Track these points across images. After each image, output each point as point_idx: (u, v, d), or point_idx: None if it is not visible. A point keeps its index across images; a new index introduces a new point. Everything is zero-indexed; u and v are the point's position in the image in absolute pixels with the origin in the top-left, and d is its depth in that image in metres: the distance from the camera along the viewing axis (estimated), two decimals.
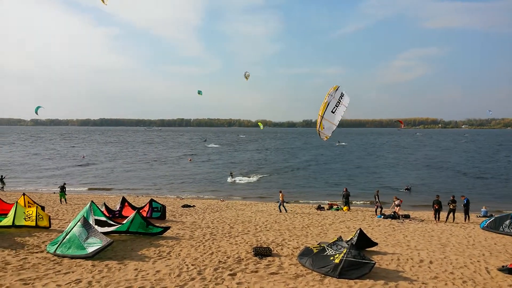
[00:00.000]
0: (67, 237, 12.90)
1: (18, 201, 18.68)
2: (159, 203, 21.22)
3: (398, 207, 23.09)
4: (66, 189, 28.57)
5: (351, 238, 13.69)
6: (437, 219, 22.20)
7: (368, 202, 31.64)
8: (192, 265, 11.97)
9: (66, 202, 27.15)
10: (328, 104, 16.65)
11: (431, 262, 12.76)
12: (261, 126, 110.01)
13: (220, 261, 12.43)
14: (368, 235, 15.23)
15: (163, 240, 15.10)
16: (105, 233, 13.95)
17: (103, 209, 19.13)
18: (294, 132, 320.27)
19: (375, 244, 14.40)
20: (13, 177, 47.52)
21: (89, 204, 16.33)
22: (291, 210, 25.62)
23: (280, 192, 25.62)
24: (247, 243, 15.15)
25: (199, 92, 58.76)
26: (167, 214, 21.21)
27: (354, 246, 11.85)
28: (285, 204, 25.51)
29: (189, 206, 26.62)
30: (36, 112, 52.58)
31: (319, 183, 45.52)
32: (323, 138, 17.40)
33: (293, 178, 49.10)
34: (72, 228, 13.25)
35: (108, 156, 79.50)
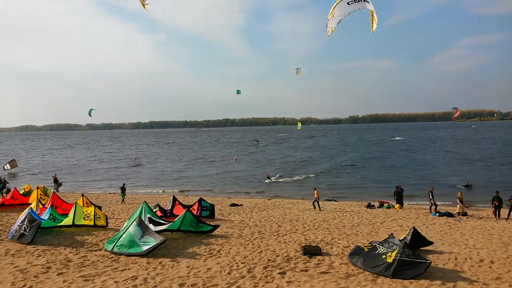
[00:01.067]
0: (123, 235, 13.49)
1: (77, 201, 19.83)
2: (208, 202, 21.65)
3: (460, 205, 21.97)
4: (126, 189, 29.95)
5: (405, 237, 13.19)
6: (497, 216, 20.93)
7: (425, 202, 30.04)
8: (242, 263, 12.08)
9: (122, 202, 28.37)
10: None
11: (492, 262, 12.02)
12: (299, 127, 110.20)
13: (269, 260, 12.44)
14: (423, 233, 14.61)
15: (213, 239, 15.38)
16: (158, 232, 14.44)
17: (156, 209, 19.86)
18: (340, 128, 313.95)
19: (431, 243, 13.79)
20: (71, 180, 50.56)
21: (142, 204, 17.01)
22: (340, 209, 25.19)
23: (315, 189, 25.38)
24: (295, 241, 15.06)
25: (238, 92, 59.57)
26: (215, 213, 21.59)
27: (407, 245, 11.43)
28: (320, 201, 25.33)
29: (237, 205, 26.94)
30: (90, 114, 55.24)
31: (370, 181, 44.31)
32: (328, 32, 16.24)
33: (342, 177, 48.22)
34: (127, 227, 13.85)
35: (159, 158, 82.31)
